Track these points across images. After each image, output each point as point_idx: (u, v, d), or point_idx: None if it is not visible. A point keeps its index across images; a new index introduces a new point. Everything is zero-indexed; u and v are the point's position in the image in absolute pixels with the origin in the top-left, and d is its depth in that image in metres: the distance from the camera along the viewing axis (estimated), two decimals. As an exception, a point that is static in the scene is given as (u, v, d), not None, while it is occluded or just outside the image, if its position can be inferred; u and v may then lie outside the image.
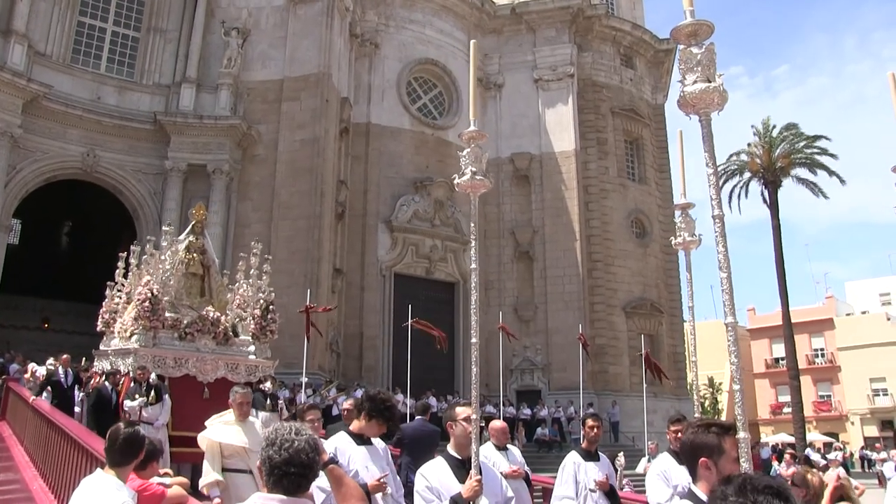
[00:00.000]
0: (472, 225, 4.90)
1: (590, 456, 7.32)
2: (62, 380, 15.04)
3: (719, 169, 38.00)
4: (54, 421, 9.85)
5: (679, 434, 6.27)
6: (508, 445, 7.97)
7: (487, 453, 7.89)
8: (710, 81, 2.93)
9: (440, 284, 32.24)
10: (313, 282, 24.48)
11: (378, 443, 5.18)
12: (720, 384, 60.92)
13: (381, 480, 4.86)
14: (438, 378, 28.73)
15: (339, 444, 4.96)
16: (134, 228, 26.95)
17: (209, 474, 7.11)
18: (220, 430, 7.39)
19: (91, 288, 28.51)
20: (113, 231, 30.35)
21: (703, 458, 2.89)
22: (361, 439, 5.05)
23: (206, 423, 7.60)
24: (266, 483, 2.69)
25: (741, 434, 2.78)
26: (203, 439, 7.41)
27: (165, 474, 5.53)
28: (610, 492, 7.06)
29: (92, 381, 13.76)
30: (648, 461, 17.75)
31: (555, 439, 27.33)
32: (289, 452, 2.65)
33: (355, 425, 5.12)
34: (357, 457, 4.91)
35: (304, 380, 18.41)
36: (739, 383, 2.86)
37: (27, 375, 17.93)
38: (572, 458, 7.31)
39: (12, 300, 27.53)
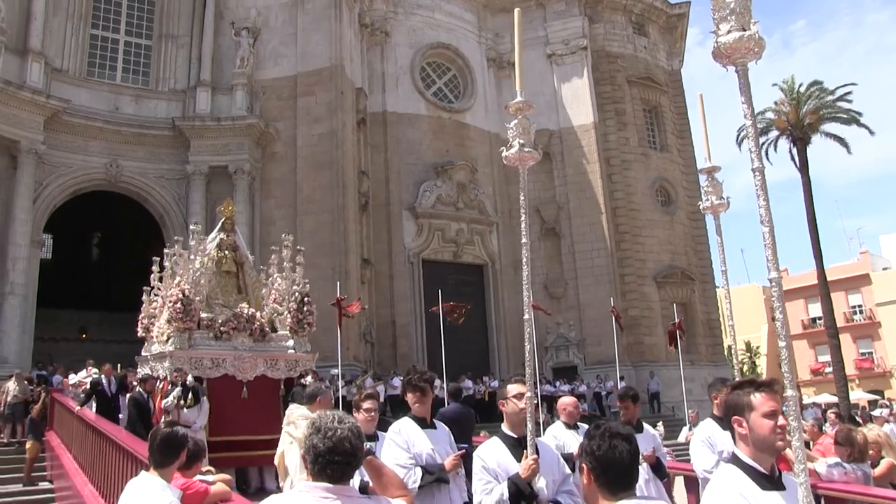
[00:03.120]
0: (522, 198, 4.80)
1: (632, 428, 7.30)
2: (106, 388, 15.19)
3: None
4: (99, 428, 10.02)
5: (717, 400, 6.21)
6: (579, 423, 7.76)
7: (557, 433, 7.76)
8: (745, 30, 2.86)
9: (468, 267, 32.23)
10: (342, 274, 24.56)
11: (441, 427, 5.19)
12: (757, 348, 60.39)
13: (456, 457, 4.90)
14: (473, 361, 28.77)
15: (402, 427, 4.98)
16: (161, 235, 27.21)
17: (303, 470, 7.00)
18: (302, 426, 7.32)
19: (124, 297, 28.92)
20: (141, 239, 30.67)
21: (734, 417, 2.90)
22: (425, 423, 5.05)
23: (286, 418, 7.54)
24: (311, 471, 2.69)
25: (789, 392, 2.70)
26: (288, 440, 7.32)
27: (208, 472, 5.58)
28: (657, 464, 6.93)
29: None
30: (689, 430, 17.72)
31: (594, 414, 27.28)
32: (332, 441, 2.64)
33: (416, 409, 5.14)
34: (421, 440, 4.90)
35: (336, 371, 18.41)
36: (786, 339, 2.78)
37: (68, 382, 18.20)
38: None
39: (49, 313, 27.91)
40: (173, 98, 28.29)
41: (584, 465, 2.72)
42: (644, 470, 6.97)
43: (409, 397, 5.16)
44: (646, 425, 7.42)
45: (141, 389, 12.08)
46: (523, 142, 4.62)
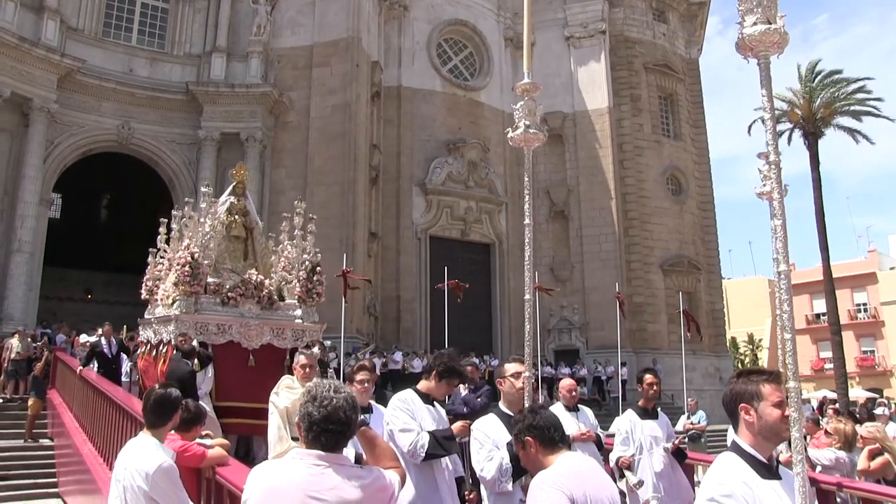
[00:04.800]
0: (526, 178, 4.83)
1: (647, 414, 7.13)
2: (105, 350, 15.19)
3: (760, 116, 36.94)
4: (100, 388, 10.07)
5: None
6: (580, 406, 7.69)
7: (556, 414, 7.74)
8: (770, 23, 2.85)
9: (476, 246, 32.25)
10: (349, 246, 24.58)
11: (440, 407, 5.16)
12: (760, 340, 60.37)
13: (465, 423, 4.88)
14: (476, 339, 28.83)
15: (408, 397, 4.96)
16: (171, 199, 27.24)
17: (282, 441, 6.95)
18: (286, 397, 7.24)
19: (131, 259, 28.98)
20: (150, 202, 30.73)
21: (742, 405, 2.91)
22: (427, 398, 5.03)
23: (275, 389, 7.49)
24: (304, 439, 2.72)
25: (791, 384, 2.74)
26: (272, 410, 7.28)
27: (206, 435, 5.61)
28: (677, 450, 6.96)
29: (138, 356, 13.62)
30: (687, 418, 17.79)
31: (594, 398, 27.39)
32: (327, 409, 2.68)
33: (423, 385, 5.08)
34: (424, 414, 4.89)
35: (328, 343, 18.13)
36: (790, 332, 2.80)
37: (79, 341, 18.34)
38: (628, 417, 7.19)
39: (56, 272, 28.06)
40: (188, 62, 28.22)
41: (528, 439, 3.39)
42: (664, 457, 6.92)
43: (440, 382, 5.04)
44: (660, 411, 7.36)
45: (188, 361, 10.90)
46: (529, 123, 4.61)
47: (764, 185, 5.77)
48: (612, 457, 7.19)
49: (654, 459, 6.93)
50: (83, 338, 18.79)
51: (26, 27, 24.28)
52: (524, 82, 4.60)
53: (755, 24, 2.86)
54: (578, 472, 3.27)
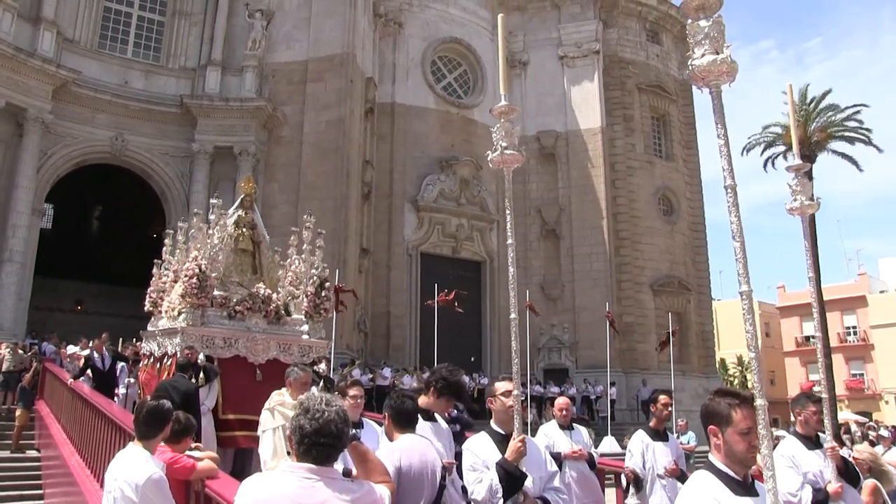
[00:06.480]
0: (507, 200, 4.90)
1: (658, 435, 7.03)
2: (98, 363, 15.04)
3: (754, 139, 37.19)
4: (91, 401, 10.04)
5: (815, 414, 5.66)
6: (574, 425, 7.74)
7: (549, 432, 7.73)
8: (718, 53, 2.92)
9: (467, 263, 32.23)
10: (340, 262, 24.54)
11: (442, 422, 5.19)
12: (749, 362, 60.35)
13: (451, 462, 4.88)
14: (466, 357, 28.76)
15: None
16: (163, 211, 27.21)
17: (276, 458, 6.91)
18: (280, 415, 7.21)
19: (122, 271, 28.99)
20: (142, 215, 30.69)
21: (711, 426, 2.97)
22: (428, 415, 5.05)
23: (267, 403, 7.47)
24: (295, 452, 2.73)
25: (759, 402, 2.77)
26: (264, 427, 7.27)
27: (196, 448, 5.62)
28: (680, 475, 6.79)
29: (140, 368, 13.43)
30: (677, 438, 17.80)
31: (583, 417, 27.33)
32: (319, 423, 2.68)
33: (423, 401, 5.10)
34: (425, 432, 4.88)
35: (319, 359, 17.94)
36: (756, 350, 2.86)
37: (66, 353, 18.24)
38: (640, 438, 7.08)
39: (47, 283, 27.92)
40: (183, 76, 28.27)
41: (385, 413, 4.51)
42: (670, 483, 6.83)
43: (439, 399, 5.11)
44: (670, 434, 7.26)
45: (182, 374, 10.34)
46: (506, 144, 4.67)
47: (794, 199, 5.71)
48: (625, 469, 7.13)
49: (667, 481, 6.89)
50: (70, 349, 18.66)
51: (23, 38, 24.33)
52: (501, 105, 4.67)
53: (704, 55, 2.94)
54: (406, 448, 4.23)
